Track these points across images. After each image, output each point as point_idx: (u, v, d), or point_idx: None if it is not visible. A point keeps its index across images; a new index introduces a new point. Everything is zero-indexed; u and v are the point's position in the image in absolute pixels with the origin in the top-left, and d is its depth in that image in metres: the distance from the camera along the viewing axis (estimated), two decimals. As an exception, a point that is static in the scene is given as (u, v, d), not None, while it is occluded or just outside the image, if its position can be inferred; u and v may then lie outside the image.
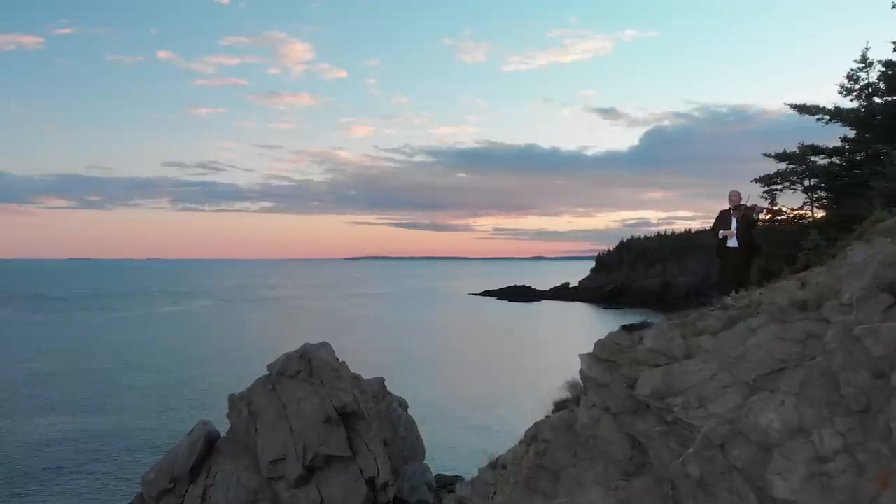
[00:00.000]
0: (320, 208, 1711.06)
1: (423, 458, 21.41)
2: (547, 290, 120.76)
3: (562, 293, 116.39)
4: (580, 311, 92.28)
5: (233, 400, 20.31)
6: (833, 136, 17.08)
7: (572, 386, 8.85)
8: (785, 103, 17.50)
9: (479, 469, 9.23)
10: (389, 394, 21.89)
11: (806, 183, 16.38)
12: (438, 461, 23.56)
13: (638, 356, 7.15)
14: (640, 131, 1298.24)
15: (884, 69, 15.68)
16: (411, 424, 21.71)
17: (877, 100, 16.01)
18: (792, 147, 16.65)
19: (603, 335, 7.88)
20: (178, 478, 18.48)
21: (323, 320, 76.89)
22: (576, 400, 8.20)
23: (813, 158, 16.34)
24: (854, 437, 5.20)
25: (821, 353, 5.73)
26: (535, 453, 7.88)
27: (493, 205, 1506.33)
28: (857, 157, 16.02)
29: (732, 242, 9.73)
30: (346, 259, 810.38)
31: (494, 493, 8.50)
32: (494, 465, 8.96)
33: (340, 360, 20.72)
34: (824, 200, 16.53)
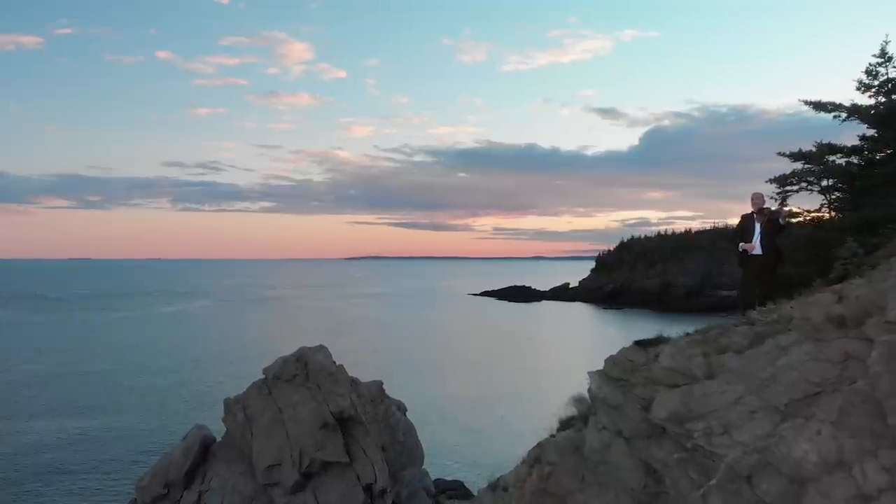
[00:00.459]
0: (320, 208, 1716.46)
1: (422, 462, 21.04)
2: (547, 290, 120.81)
3: (562, 293, 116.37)
4: (580, 312, 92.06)
5: (228, 404, 19.93)
6: (843, 134, 16.42)
7: (579, 402, 8.21)
8: (799, 100, 16.87)
9: (479, 491, 8.62)
10: (388, 397, 21.51)
11: (823, 183, 15.67)
12: (438, 465, 23.34)
13: (653, 375, 6.56)
14: (639, 131, 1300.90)
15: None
16: (410, 429, 21.30)
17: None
18: (797, 146, 15.97)
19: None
20: (172, 483, 18.17)
21: (322, 320, 76.69)
22: (583, 418, 7.62)
23: (830, 158, 15.65)
24: (901, 472, 4.62)
25: (863, 376, 5.15)
26: (538, 476, 7.33)
27: (492, 205, 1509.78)
28: (877, 157, 15.33)
29: (756, 249, 9.00)
30: (345, 259, 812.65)
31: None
32: (494, 486, 8.34)
33: (339, 361, 20.41)
34: (840, 202, 15.84)
